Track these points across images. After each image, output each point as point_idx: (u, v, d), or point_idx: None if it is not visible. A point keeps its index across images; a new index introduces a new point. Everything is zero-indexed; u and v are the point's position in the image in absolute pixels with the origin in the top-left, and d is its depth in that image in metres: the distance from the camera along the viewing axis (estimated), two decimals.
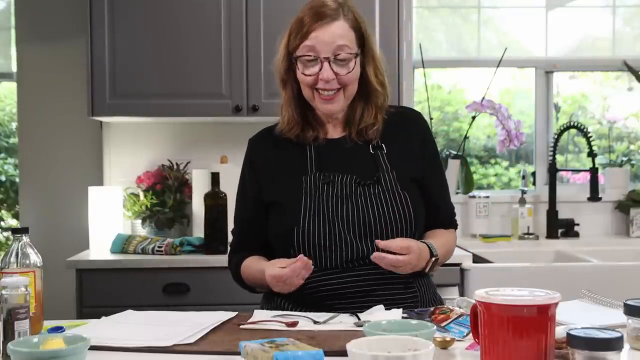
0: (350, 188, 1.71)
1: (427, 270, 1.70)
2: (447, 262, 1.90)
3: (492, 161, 3.75)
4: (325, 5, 1.70)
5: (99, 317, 1.59)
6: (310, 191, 1.71)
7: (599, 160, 3.51)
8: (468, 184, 3.41)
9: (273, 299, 1.77)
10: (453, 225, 1.88)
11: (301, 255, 1.60)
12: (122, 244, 2.83)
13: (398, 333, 1.21)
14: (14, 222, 5.07)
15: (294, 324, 1.48)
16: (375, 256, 1.60)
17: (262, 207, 1.79)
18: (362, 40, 1.74)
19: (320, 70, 1.69)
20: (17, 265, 1.44)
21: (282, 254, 1.72)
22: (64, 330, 1.43)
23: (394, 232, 1.68)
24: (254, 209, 1.81)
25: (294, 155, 1.78)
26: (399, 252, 1.60)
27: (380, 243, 1.61)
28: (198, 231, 3.00)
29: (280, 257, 1.74)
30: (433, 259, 1.69)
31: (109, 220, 3.03)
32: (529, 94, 3.66)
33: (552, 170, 3.34)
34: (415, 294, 1.73)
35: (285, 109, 1.80)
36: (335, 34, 1.68)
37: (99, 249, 2.96)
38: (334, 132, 1.82)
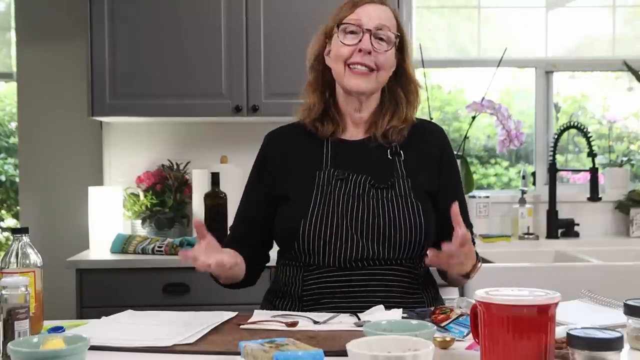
0: (364, 188, 1.69)
1: (471, 275, 1.63)
2: None
3: (492, 161, 3.75)
4: None
5: (99, 317, 1.59)
6: (323, 186, 1.69)
7: (599, 160, 3.51)
8: (468, 184, 3.41)
9: (273, 301, 1.77)
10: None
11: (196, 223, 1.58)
12: (122, 244, 2.83)
13: (398, 333, 1.21)
14: (14, 222, 5.07)
15: (294, 324, 1.48)
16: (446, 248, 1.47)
17: (266, 207, 1.77)
18: (400, 35, 1.76)
19: (359, 41, 1.70)
20: (17, 265, 1.44)
21: (287, 248, 1.71)
22: (64, 330, 1.43)
23: (403, 238, 1.66)
24: (257, 209, 1.79)
25: (310, 151, 1.77)
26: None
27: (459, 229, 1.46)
28: None
29: (285, 253, 1.74)
30: (479, 264, 1.63)
31: (109, 220, 3.03)
32: (529, 94, 3.65)
33: (552, 170, 3.34)
34: (421, 299, 1.71)
35: (310, 92, 1.79)
36: (380, 13, 1.73)
37: (99, 249, 2.96)
38: (355, 132, 1.80)
